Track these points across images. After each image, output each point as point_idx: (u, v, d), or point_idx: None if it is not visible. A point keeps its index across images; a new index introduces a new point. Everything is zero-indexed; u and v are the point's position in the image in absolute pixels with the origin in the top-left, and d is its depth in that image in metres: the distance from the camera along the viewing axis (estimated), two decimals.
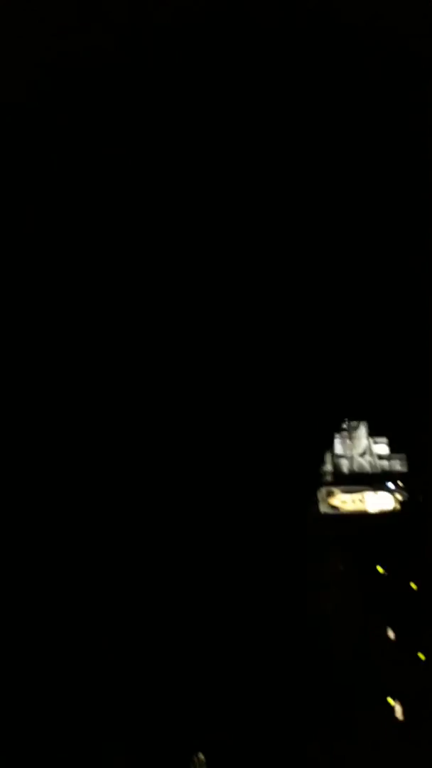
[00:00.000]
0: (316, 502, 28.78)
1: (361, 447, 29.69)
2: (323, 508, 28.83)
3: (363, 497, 28.90)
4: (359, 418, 29.77)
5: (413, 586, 27.93)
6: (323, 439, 29.07)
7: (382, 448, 29.54)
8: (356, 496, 28.94)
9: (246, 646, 26.19)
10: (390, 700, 27.41)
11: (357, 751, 25.48)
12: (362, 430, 29.69)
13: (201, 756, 24.28)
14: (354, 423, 29.76)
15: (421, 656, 27.31)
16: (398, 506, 28.50)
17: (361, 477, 29.38)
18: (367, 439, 29.58)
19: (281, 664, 26.52)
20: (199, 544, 25.32)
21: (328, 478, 29.09)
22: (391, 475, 29.06)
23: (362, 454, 29.66)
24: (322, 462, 28.94)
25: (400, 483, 28.76)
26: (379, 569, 28.71)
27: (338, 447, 29.56)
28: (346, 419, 29.69)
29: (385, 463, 29.37)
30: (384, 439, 29.50)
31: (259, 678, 25.93)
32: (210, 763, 24.46)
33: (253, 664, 26.05)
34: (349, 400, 29.68)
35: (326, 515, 28.74)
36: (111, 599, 23.75)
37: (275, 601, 26.96)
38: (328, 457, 29.10)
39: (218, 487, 26.15)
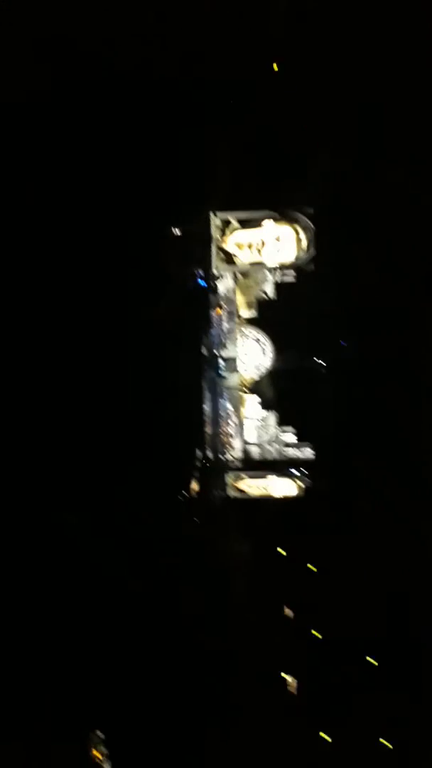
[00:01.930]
0: (225, 487, 30.03)
1: (270, 435, 30.63)
2: (231, 492, 30.00)
3: (268, 482, 29.83)
4: (269, 408, 30.73)
5: (312, 567, 28.72)
6: (235, 427, 30.20)
7: (289, 436, 30.36)
8: (262, 481, 29.90)
9: (144, 627, 27.35)
10: (285, 675, 28.33)
11: (253, 728, 26.61)
12: (271, 419, 30.61)
13: (99, 733, 25.33)
14: (264, 412, 30.74)
15: (317, 634, 28.10)
16: (301, 492, 29.26)
17: (268, 464, 30.32)
18: (276, 427, 30.48)
19: (180, 646, 27.47)
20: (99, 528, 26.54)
21: (238, 464, 30.21)
22: (297, 463, 29.82)
23: (270, 442, 30.59)
24: (233, 449, 30.07)
25: (304, 470, 29.49)
26: (281, 551, 29.64)
27: (249, 434, 30.65)
28: (258, 408, 30.77)
29: (291, 451, 30.17)
30: (291, 429, 30.32)
31: (155, 660, 26.83)
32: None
33: (149, 647, 26.99)
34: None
35: (234, 499, 29.92)
36: None
37: (178, 581, 28.27)
38: (238, 444, 30.24)
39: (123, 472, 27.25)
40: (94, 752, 23.90)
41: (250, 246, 28.20)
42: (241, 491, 29.91)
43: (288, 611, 28.60)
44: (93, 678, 25.29)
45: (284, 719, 26.91)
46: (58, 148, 23.02)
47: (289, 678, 27.84)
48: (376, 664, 27.21)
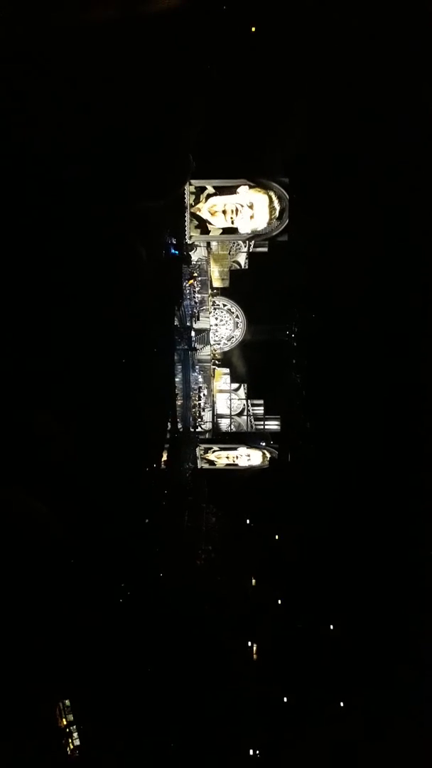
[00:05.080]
0: (195, 458, 29.45)
1: (240, 407, 30.06)
2: (200, 463, 29.47)
3: (237, 454, 29.38)
4: (240, 381, 30.08)
5: (276, 537, 28.63)
6: (205, 399, 29.49)
7: (258, 409, 29.85)
8: (231, 452, 29.43)
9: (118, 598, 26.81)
10: (249, 643, 28.42)
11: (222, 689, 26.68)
12: (241, 392, 29.99)
13: (66, 702, 24.93)
14: (235, 385, 30.08)
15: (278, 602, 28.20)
16: (267, 462, 28.93)
17: (238, 435, 29.84)
18: (246, 400, 29.90)
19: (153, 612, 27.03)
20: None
21: (208, 435, 29.63)
22: (265, 435, 29.41)
23: (240, 414, 30.06)
24: (203, 421, 29.41)
25: (272, 442, 29.12)
26: (247, 521, 29.44)
27: (219, 407, 30.02)
28: (229, 381, 30.07)
29: (260, 424, 29.71)
30: (261, 401, 29.81)
31: (128, 626, 26.39)
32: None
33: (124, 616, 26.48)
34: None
35: (202, 469, 29.41)
36: None
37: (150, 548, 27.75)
38: (209, 416, 29.58)
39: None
40: (62, 720, 23.61)
41: (224, 211, 26.99)
42: (211, 462, 29.38)
43: (253, 580, 28.57)
44: (64, 645, 24.79)
45: (250, 684, 27.05)
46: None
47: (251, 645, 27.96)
48: (337, 630, 27.51)
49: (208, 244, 27.90)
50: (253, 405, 29.73)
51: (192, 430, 28.60)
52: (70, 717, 24.32)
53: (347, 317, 28.43)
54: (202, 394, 28.74)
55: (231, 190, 26.50)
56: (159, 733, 24.68)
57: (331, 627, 27.82)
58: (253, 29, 24.73)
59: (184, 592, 27.44)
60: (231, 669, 27.19)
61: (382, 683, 25.17)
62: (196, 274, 27.39)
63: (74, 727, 24.52)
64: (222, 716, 25.44)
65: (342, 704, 25.98)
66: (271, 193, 26.54)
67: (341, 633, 27.19)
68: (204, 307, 28.09)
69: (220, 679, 26.39)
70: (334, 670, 26.65)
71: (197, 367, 28.40)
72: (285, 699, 27.35)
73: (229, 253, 28.81)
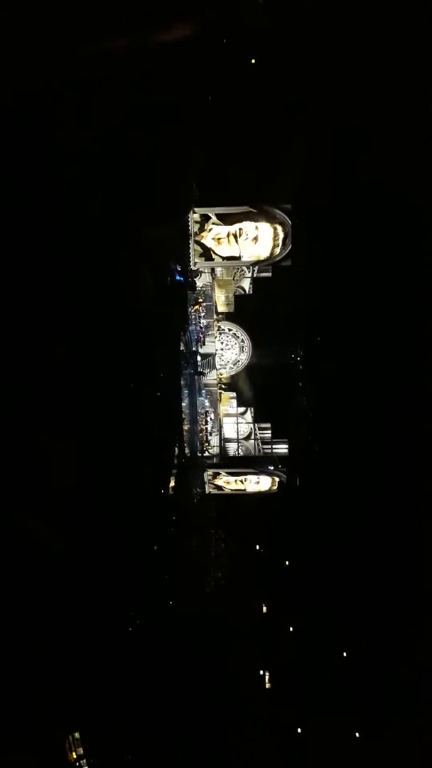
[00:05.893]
0: (202, 483, 29.31)
1: (247, 431, 30.01)
2: (208, 489, 29.34)
3: (245, 478, 29.24)
4: (246, 405, 30.10)
5: (286, 563, 28.30)
6: (212, 423, 29.47)
7: (266, 433, 29.80)
8: (239, 477, 29.30)
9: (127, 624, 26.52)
10: (261, 671, 27.91)
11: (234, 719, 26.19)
12: (248, 416, 29.97)
13: (76, 734, 24.51)
14: (241, 409, 30.09)
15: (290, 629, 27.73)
16: (275, 487, 28.75)
17: (245, 460, 29.75)
18: (253, 424, 29.87)
19: (162, 641, 26.69)
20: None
21: (216, 460, 29.54)
22: (273, 459, 29.29)
23: (247, 438, 30.00)
24: (210, 445, 29.35)
25: (280, 466, 28.97)
26: (257, 546, 29.14)
27: (227, 431, 29.98)
28: (235, 405, 30.09)
29: (268, 448, 29.62)
30: (268, 425, 29.78)
31: (138, 655, 26.06)
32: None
33: (132, 643, 26.17)
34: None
35: (210, 495, 29.27)
36: None
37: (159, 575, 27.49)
38: (216, 440, 29.53)
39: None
40: (72, 754, 23.17)
41: (228, 236, 27.33)
42: (219, 487, 29.24)
43: (264, 607, 28.18)
44: (72, 676, 24.42)
45: (262, 712, 26.54)
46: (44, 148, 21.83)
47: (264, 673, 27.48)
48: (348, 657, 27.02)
49: (213, 270, 28.18)
50: (260, 428, 29.68)
51: (199, 454, 28.52)
52: (80, 750, 23.87)
53: (352, 339, 28.50)
54: (208, 419, 28.73)
55: (234, 218, 26.85)
56: (170, 764, 24.16)
57: (344, 654, 27.33)
58: (253, 61, 25.34)
59: (194, 620, 27.07)
60: (243, 698, 26.68)
61: (398, 710, 24.62)
62: (201, 300, 27.59)
63: (84, 760, 24.06)
64: (234, 746, 24.87)
65: (357, 735, 25.40)
66: (274, 220, 26.89)
67: (355, 659, 26.72)
68: (209, 332, 28.25)
69: (231, 709, 25.90)
70: (349, 698, 26.13)
71: (204, 391, 28.44)
72: (299, 729, 26.76)
73: (234, 279, 29.07)
